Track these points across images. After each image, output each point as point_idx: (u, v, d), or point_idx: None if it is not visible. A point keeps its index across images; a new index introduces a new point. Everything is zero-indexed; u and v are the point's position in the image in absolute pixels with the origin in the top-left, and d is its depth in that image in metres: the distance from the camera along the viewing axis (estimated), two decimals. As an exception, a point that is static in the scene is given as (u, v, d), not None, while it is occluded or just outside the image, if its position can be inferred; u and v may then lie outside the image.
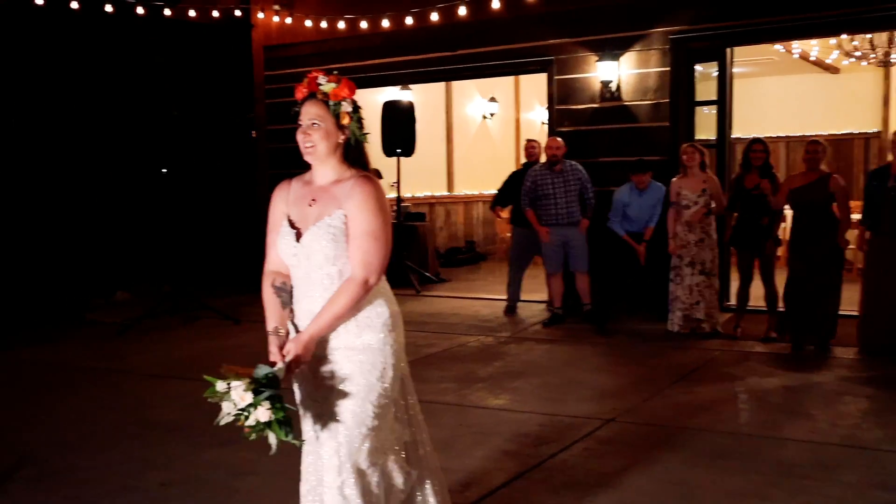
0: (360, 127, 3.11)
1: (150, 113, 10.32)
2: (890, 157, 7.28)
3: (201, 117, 10.50)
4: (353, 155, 3.12)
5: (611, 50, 9.23)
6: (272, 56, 11.39)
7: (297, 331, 3.06)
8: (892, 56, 12.58)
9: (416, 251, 11.80)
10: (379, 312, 3.07)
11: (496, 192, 10.17)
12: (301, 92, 3.09)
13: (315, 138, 3.03)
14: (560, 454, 4.79)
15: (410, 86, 13.38)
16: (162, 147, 10.06)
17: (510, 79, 16.46)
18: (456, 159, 15.37)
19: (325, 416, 3.03)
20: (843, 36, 12.17)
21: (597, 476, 4.44)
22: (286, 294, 3.11)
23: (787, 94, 15.70)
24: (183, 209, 10.13)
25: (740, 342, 7.71)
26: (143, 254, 10.93)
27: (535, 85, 13.01)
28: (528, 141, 9.87)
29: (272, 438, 2.85)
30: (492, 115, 16.09)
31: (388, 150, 10.98)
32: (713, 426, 5.31)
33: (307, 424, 3.12)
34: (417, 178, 13.61)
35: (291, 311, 3.11)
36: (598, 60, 9.31)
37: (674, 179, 8.16)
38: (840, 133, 14.93)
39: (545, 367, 7.07)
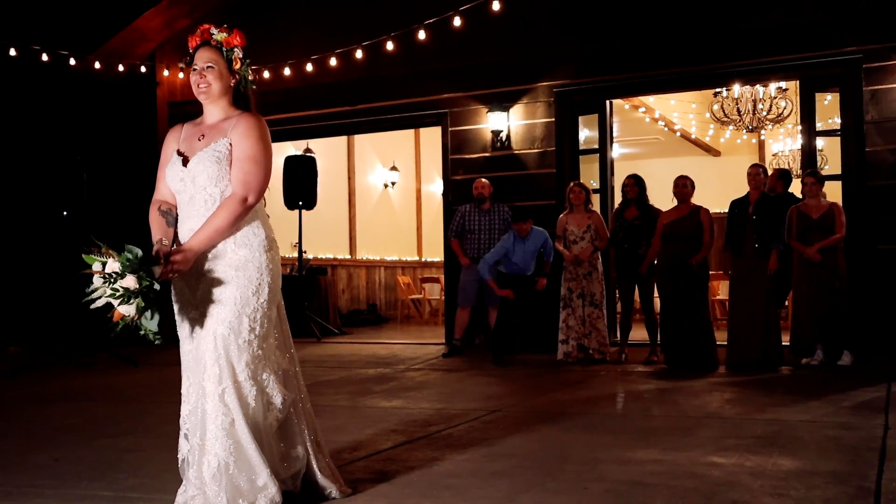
0: (249, 73, 3.48)
1: (53, 159, 10.40)
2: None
3: (106, 168, 10.60)
4: (241, 101, 3.48)
5: (500, 102, 9.89)
6: (176, 112, 11.66)
7: None
8: (762, 127, 13.58)
9: (317, 303, 12.00)
10: (256, 233, 3.36)
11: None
12: (194, 41, 3.44)
13: (210, 79, 3.37)
14: (446, 430, 5.07)
15: (313, 150, 13.82)
16: (64, 194, 10.10)
17: (411, 149, 17.12)
18: (358, 224, 15.74)
19: (205, 328, 3.25)
20: (715, 107, 13.21)
21: (478, 440, 4.73)
22: (171, 217, 3.39)
23: (673, 175, 16.66)
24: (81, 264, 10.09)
25: (624, 364, 8.16)
26: (41, 307, 10.80)
27: (435, 158, 13.40)
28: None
29: (132, 311, 3.00)
30: (393, 184, 16.63)
31: (290, 203, 11.24)
32: (590, 411, 5.68)
33: (186, 343, 3.33)
34: (320, 240, 13.92)
35: (175, 233, 3.38)
36: (488, 112, 9.94)
37: (561, 216, 8.70)
38: (722, 212, 15.79)
39: (438, 383, 7.36)
